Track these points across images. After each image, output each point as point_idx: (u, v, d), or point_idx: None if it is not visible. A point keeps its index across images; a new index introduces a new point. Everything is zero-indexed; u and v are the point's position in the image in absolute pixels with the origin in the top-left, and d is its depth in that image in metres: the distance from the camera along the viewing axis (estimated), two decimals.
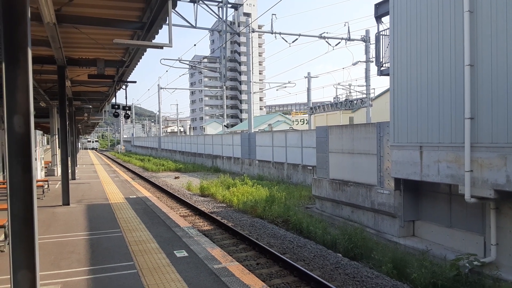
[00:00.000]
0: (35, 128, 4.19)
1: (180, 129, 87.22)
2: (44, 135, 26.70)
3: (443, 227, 9.78)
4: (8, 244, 3.87)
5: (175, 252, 6.78)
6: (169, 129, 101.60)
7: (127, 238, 7.71)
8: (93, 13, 7.85)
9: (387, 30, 12.09)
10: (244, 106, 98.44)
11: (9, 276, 3.76)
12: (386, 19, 12.55)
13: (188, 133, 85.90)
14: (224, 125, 49.28)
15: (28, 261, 3.78)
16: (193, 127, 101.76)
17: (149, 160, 44.98)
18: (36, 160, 3.42)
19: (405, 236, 10.50)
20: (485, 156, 7.90)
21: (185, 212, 14.69)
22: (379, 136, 11.40)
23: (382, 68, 12.68)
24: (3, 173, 15.89)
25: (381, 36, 12.77)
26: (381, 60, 12.66)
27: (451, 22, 8.77)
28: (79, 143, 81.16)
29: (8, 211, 3.74)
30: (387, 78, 11.46)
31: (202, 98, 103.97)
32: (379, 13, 12.94)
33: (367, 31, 29.42)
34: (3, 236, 7.40)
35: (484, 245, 8.63)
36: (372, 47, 27.16)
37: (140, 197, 13.33)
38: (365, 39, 29.22)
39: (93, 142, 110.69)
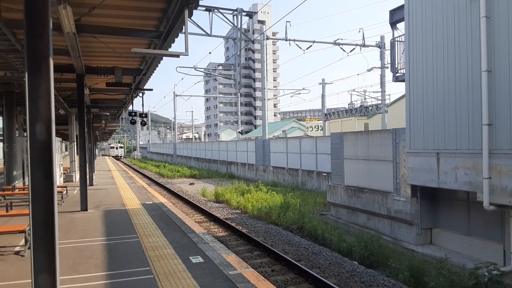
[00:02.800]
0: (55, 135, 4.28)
1: (195, 136, 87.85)
2: (62, 142, 27.24)
3: (461, 235, 9.61)
4: (29, 248, 3.97)
5: (190, 258, 6.83)
6: (184, 136, 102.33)
7: (143, 244, 7.80)
8: (111, 23, 8.03)
9: (402, 36, 12.03)
10: (258, 113, 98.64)
11: (30, 280, 3.84)
12: (401, 25, 12.51)
13: (202, 140, 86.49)
14: (239, 132, 49.48)
15: (48, 266, 3.85)
16: (208, 134, 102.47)
17: (165, 166, 45.37)
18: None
19: (423, 244, 10.35)
20: (504, 163, 7.76)
21: (200, 218, 14.76)
22: (395, 142, 11.31)
23: (397, 74, 12.61)
24: (23, 179, 16.26)
25: (396, 42, 12.71)
26: (396, 66, 12.59)
27: (468, 28, 8.69)
28: (97, 150, 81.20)
29: (30, 216, 3.83)
30: (403, 84, 11.39)
31: (216, 105, 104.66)
32: (394, 19, 12.89)
33: (382, 37, 29.29)
34: (23, 241, 7.57)
35: (504, 254, 8.45)
36: (387, 53, 27.00)
37: (156, 203, 13.46)
38: (380, 45, 29.08)
39: (117, 148, 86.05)
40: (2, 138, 16.34)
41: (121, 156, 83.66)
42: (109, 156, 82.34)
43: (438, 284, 7.25)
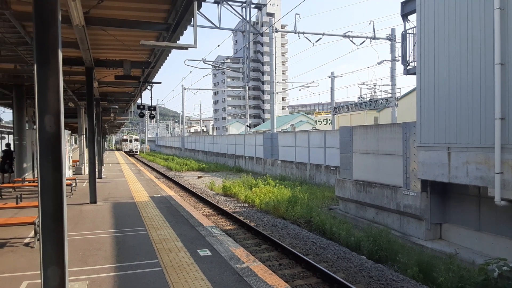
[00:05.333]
0: (64, 128, 4.29)
1: (203, 129, 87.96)
2: (72, 135, 27.44)
3: (472, 231, 9.51)
4: (38, 240, 3.98)
5: (198, 251, 6.84)
6: (192, 129, 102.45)
7: (151, 236, 7.83)
8: (120, 15, 8.01)
9: (414, 28, 11.85)
10: (266, 106, 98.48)
11: (39, 272, 3.86)
12: (412, 17, 12.30)
13: (211, 133, 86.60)
14: (247, 125, 49.45)
15: (57, 258, 3.86)
16: (216, 127, 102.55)
17: (173, 159, 45.56)
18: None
19: (432, 239, 10.27)
20: None
21: (208, 212, 14.80)
22: (405, 136, 11.19)
23: (408, 67, 12.43)
24: (33, 171, 16.43)
25: (407, 34, 12.52)
26: (407, 59, 12.41)
27: (481, 20, 8.52)
28: (106, 143, 79.97)
29: (39, 208, 3.84)
30: (413, 77, 11.25)
31: (225, 98, 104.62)
32: (406, 11, 12.69)
33: (393, 30, 28.94)
34: (33, 232, 7.64)
35: None
36: (398, 46, 26.69)
37: (164, 196, 13.51)
38: (391, 38, 28.74)
39: (131, 141, 67.71)
40: (12, 130, 16.49)
41: (136, 152, 66.22)
42: (121, 150, 64.95)
43: (447, 280, 7.18)
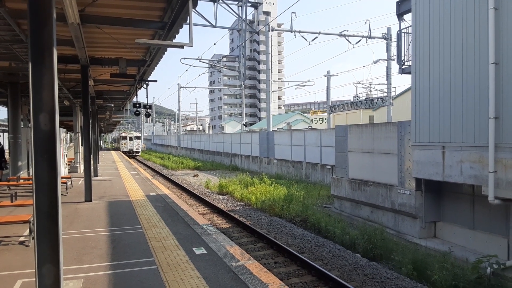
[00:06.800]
0: (59, 126, 4.29)
1: (199, 128, 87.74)
2: (67, 133, 27.32)
3: (466, 229, 9.58)
4: (33, 238, 3.97)
5: (194, 249, 6.85)
6: (188, 128, 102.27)
7: (147, 235, 7.83)
8: (115, 13, 7.99)
9: (409, 27, 11.90)
10: (262, 105, 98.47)
11: (34, 270, 3.86)
12: (408, 17, 12.36)
13: (207, 132, 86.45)
14: (243, 124, 49.36)
15: (52, 256, 3.86)
16: (212, 126, 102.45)
17: (169, 158, 45.47)
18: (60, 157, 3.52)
19: (426, 237, 10.33)
20: (510, 157, 7.69)
21: (204, 210, 14.80)
22: (400, 135, 11.24)
23: (403, 66, 12.49)
24: (28, 169, 16.35)
25: (403, 33, 12.58)
26: (403, 58, 12.47)
27: (475, 19, 8.57)
28: (102, 141, 78.86)
29: (33, 207, 3.84)
30: (409, 76, 11.30)
31: (221, 97, 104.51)
32: (401, 10, 12.75)
33: (389, 29, 29.00)
34: (28, 231, 7.62)
35: (508, 248, 8.41)
36: (394, 45, 26.78)
37: (160, 194, 13.50)
38: (387, 37, 28.80)
39: (131, 139, 55.90)
40: (7, 128, 16.42)
41: (137, 152, 56.23)
42: (124, 152, 53.76)
43: (441, 277, 7.24)
